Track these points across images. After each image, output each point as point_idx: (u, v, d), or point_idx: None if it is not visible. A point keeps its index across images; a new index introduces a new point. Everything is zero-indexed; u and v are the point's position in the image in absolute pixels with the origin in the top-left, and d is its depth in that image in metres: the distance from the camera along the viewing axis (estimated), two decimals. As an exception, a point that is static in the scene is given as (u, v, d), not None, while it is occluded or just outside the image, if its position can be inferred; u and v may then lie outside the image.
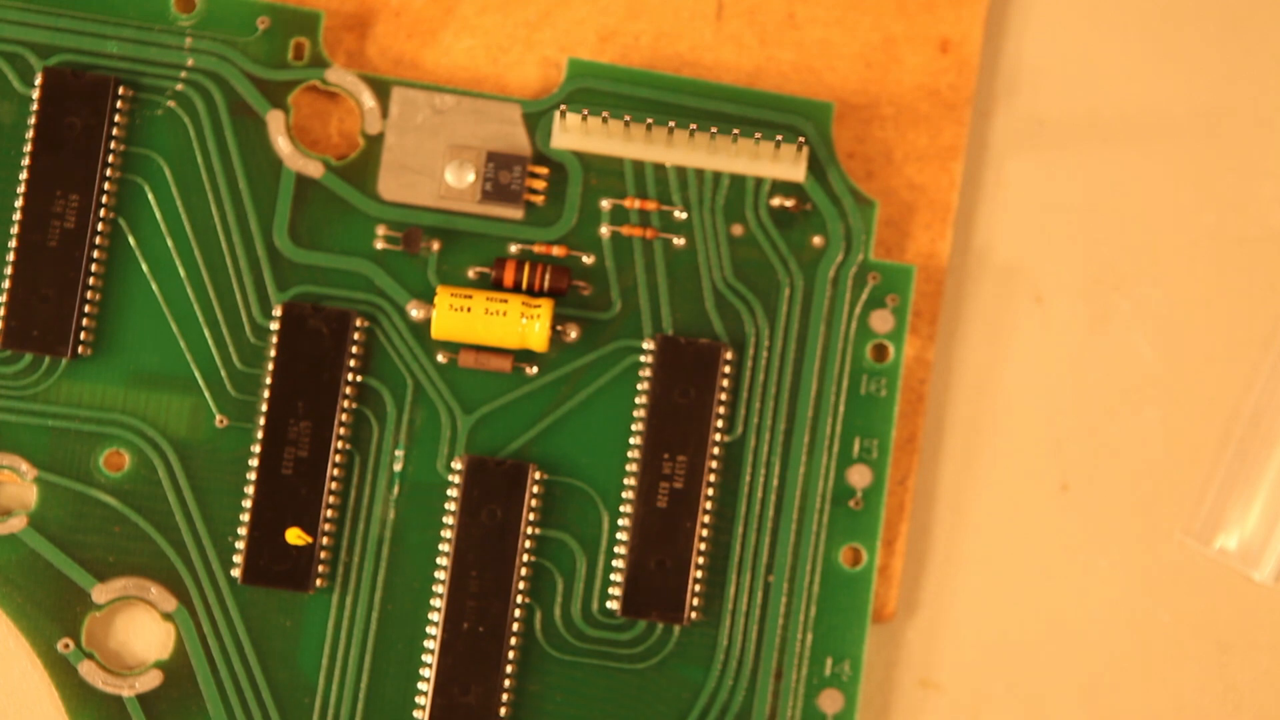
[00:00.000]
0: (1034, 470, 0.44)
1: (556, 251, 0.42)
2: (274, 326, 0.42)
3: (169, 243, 0.42)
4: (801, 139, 0.42)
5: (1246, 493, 0.44)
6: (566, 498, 0.42)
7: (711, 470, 0.42)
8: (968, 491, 0.44)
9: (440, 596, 0.42)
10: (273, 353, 0.42)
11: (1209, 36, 0.45)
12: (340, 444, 0.42)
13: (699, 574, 0.42)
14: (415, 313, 0.42)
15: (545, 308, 0.42)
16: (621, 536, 0.42)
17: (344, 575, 0.42)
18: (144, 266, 0.42)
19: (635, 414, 0.42)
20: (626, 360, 0.43)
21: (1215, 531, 0.44)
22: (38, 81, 0.42)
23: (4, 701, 0.42)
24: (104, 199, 0.42)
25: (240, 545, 0.42)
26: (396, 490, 0.42)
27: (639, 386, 0.42)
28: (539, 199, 0.43)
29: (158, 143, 0.42)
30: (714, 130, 0.42)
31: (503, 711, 0.42)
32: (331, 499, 0.42)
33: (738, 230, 0.43)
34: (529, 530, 0.42)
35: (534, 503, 0.42)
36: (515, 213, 0.42)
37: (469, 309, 0.42)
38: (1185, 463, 0.44)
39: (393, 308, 0.42)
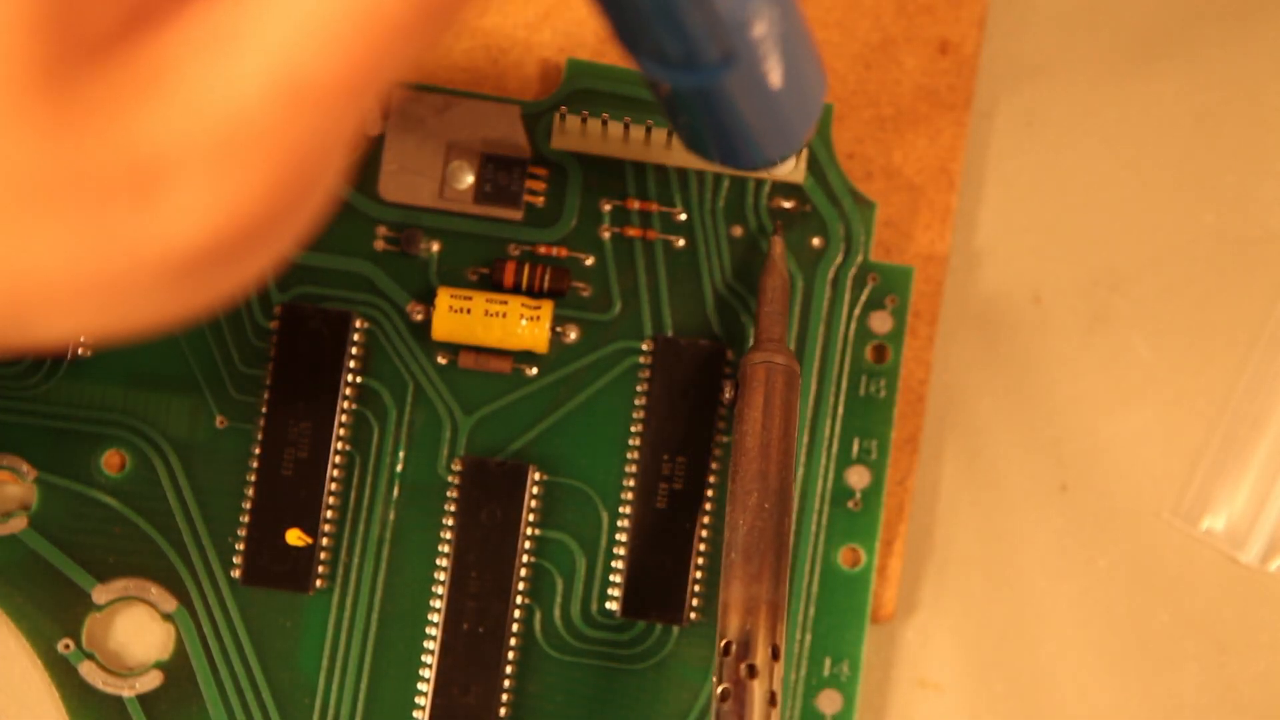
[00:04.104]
0: (1033, 470, 0.44)
1: (557, 253, 0.42)
2: (274, 327, 0.42)
3: (169, 243, 0.42)
4: (801, 140, 0.42)
5: (1234, 474, 0.44)
6: (566, 498, 0.42)
7: (711, 471, 0.42)
8: (967, 492, 0.44)
9: (440, 597, 0.42)
10: (273, 353, 0.42)
11: (1209, 36, 0.45)
12: (340, 445, 0.42)
13: (699, 574, 0.42)
14: (415, 313, 0.42)
15: (545, 309, 0.42)
16: (621, 537, 0.42)
17: (344, 576, 0.42)
18: (144, 267, 0.42)
19: (635, 415, 0.42)
20: (626, 361, 0.43)
21: (1202, 512, 0.44)
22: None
23: (4, 701, 0.43)
24: (104, 200, 0.42)
25: (240, 545, 0.42)
26: (396, 491, 0.42)
27: (639, 388, 0.42)
28: (539, 200, 0.43)
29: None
30: (714, 131, 0.42)
31: (502, 712, 0.42)
32: (331, 500, 0.42)
33: (738, 231, 0.43)
34: (529, 531, 0.42)
35: (534, 503, 0.42)
36: (515, 214, 0.42)
37: (469, 310, 0.42)
38: (1185, 463, 0.44)
39: (393, 308, 0.42)
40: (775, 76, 0.35)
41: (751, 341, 0.42)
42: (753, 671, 0.37)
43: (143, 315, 0.28)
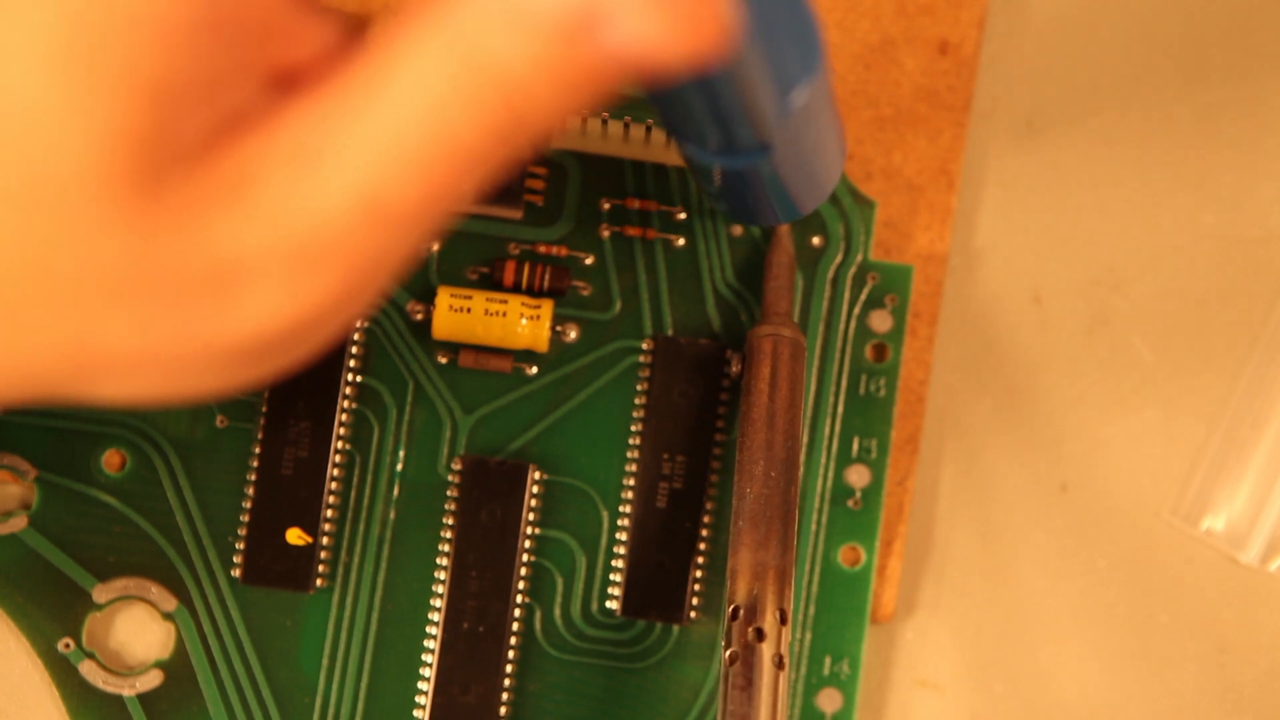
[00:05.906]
0: (1033, 471, 0.44)
1: (556, 252, 0.42)
2: (274, 327, 0.42)
3: (169, 243, 0.42)
4: (801, 139, 0.42)
5: (1234, 474, 0.44)
6: (566, 498, 0.42)
7: (712, 470, 0.42)
8: (967, 492, 0.44)
9: (440, 596, 0.42)
10: (273, 353, 0.42)
11: (1209, 36, 0.45)
12: (340, 444, 0.42)
13: (699, 574, 0.42)
14: (415, 313, 0.42)
15: (545, 308, 0.42)
16: (621, 537, 0.42)
17: (344, 575, 0.42)
18: (144, 267, 0.42)
19: (635, 414, 0.42)
20: (626, 360, 0.43)
21: (1202, 512, 0.44)
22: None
23: (4, 701, 0.43)
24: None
25: (240, 545, 0.42)
26: (396, 490, 0.42)
27: (639, 387, 0.42)
28: (538, 199, 0.43)
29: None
30: (713, 131, 0.42)
31: (503, 711, 0.42)
32: (331, 499, 0.42)
33: (738, 230, 0.43)
34: (529, 530, 0.42)
35: (534, 503, 0.42)
36: (515, 213, 0.42)
37: (469, 309, 0.42)
38: (1184, 463, 0.44)
39: (392, 307, 0.42)
40: (805, 158, 0.36)
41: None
42: (760, 635, 0.37)
43: (197, 388, 0.30)
